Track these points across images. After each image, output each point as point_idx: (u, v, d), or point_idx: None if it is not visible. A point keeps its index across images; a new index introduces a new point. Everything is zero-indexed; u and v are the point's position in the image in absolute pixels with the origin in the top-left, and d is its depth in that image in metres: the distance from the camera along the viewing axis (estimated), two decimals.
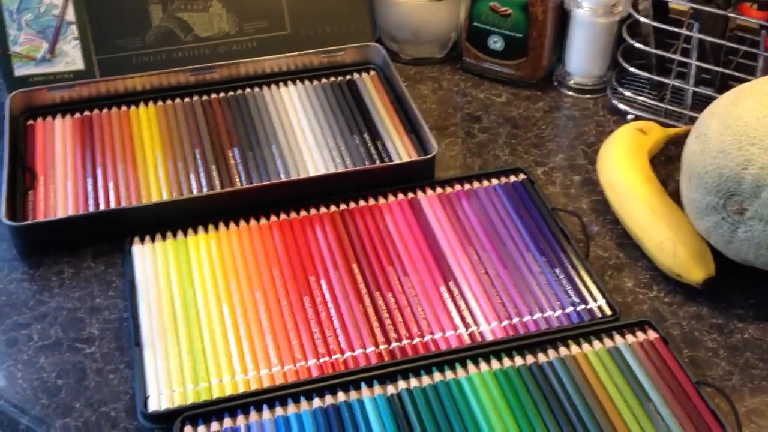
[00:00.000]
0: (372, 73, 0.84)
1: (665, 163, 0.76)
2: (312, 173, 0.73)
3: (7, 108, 0.76)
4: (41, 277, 0.65)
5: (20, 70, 0.80)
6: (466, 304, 0.63)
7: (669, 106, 0.79)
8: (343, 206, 0.70)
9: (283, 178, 0.72)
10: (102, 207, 0.69)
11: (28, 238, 0.67)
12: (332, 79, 0.83)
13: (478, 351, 0.59)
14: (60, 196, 0.70)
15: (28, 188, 0.71)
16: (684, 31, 0.76)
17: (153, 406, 0.56)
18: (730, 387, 0.58)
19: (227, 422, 0.55)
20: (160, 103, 0.79)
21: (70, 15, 0.81)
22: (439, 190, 0.72)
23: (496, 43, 0.84)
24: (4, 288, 0.65)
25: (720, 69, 0.76)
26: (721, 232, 0.61)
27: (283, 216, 0.69)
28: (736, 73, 0.75)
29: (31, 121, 0.77)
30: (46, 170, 0.72)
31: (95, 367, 0.59)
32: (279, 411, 0.55)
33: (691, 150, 0.63)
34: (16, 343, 0.61)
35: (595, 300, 0.63)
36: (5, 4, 0.80)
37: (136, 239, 0.67)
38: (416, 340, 0.60)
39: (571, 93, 0.85)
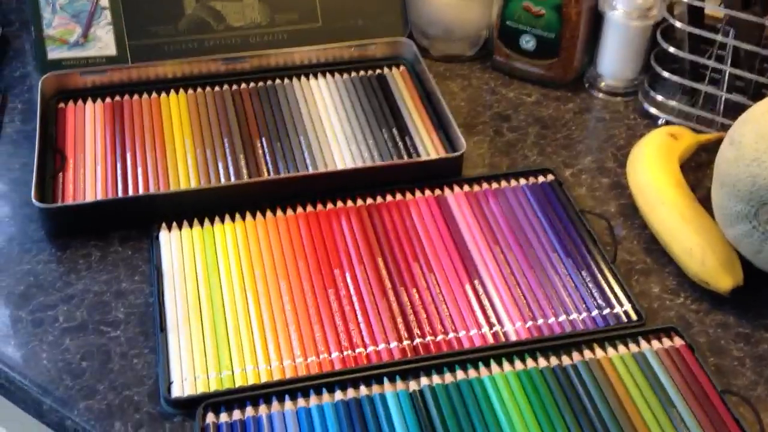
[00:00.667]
0: (402, 68, 0.83)
1: (695, 169, 0.75)
2: (339, 166, 0.73)
3: (39, 90, 0.76)
4: (68, 260, 0.66)
5: (53, 54, 0.80)
6: (491, 303, 0.62)
7: (701, 112, 0.79)
8: (369, 200, 0.70)
9: (311, 170, 0.72)
10: (130, 192, 0.69)
11: (57, 220, 0.67)
12: (362, 72, 0.83)
13: (502, 351, 0.58)
14: (89, 180, 0.70)
15: (58, 170, 0.71)
16: (719, 37, 0.75)
17: (176, 391, 0.56)
18: (755, 397, 0.58)
19: (249, 411, 0.55)
20: (190, 91, 0.80)
21: (104, 0, 0.81)
22: (466, 188, 0.72)
23: (528, 42, 0.83)
24: (31, 269, 0.65)
25: (754, 76, 0.75)
26: (751, 240, 0.61)
27: (309, 208, 0.69)
28: None
29: (62, 104, 0.78)
30: (75, 154, 0.73)
31: (120, 351, 0.59)
32: (301, 402, 0.56)
33: (724, 157, 0.62)
34: (42, 323, 0.61)
35: (621, 304, 0.62)
36: None
37: (164, 226, 0.67)
38: (440, 338, 0.60)
39: (601, 95, 0.84)
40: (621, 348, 0.59)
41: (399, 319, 0.61)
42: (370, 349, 0.59)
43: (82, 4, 0.81)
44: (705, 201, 0.67)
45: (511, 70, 0.86)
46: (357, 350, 0.59)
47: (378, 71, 0.83)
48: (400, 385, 0.57)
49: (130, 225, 0.68)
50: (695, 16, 0.78)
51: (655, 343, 0.59)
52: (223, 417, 0.55)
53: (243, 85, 0.81)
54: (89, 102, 0.78)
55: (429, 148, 0.75)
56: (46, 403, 0.57)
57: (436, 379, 0.57)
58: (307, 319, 0.61)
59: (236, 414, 0.55)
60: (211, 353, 0.58)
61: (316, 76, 0.82)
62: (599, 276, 0.64)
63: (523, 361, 0.58)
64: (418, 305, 0.62)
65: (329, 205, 0.69)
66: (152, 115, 0.77)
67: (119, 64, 0.80)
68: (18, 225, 0.69)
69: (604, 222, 0.69)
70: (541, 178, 0.73)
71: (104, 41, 0.81)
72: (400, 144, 0.75)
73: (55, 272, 0.65)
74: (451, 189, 0.71)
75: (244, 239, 0.67)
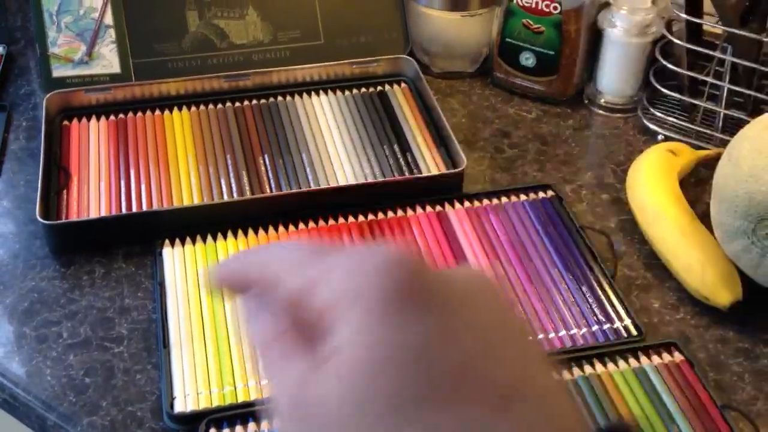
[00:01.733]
0: (403, 85, 0.84)
1: (695, 185, 0.75)
2: (341, 183, 0.73)
3: (43, 108, 0.77)
4: (72, 276, 0.66)
5: (58, 71, 0.81)
6: None
7: (700, 128, 0.79)
8: (371, 217, 0.71)
9: (313, 186, 0.73)
10: (134, 209, 0.70)
11: (61, 236, 0.68)
12: (363, 90, 0.84)
13: None
14: (93, 197, 0.71)
15: (62, 187, 0.72)
16: (717, 54, 0.76)
17: (179, 407, 0.56)
18: (755, 412, 0.58)
19: (251, 427, 0.55)
20: (193, 108, 0.80)
21: (109, 19, 0.82)
22: (467, 204, 0.72)
23: (527, 59, 0.84)
24: (35, 285, 0.66)
25: (753, 93, 0.76)
26: (750, 256, 0.61)
27: (311, 224, 0.70)
28: None
29: (66, 122, 0.78)
30: (80, 171, 0.73)
31: (123, 367, 0.60)
32: None
33: (722, 173, 0.62)
34: (46, 340, 0.62)
35: (621, 319, 0.62)
36: (45, 6, 0.82)
37: (167, 242, 0.68)
38: None
39: (601, 111, 0.85)
40: (621, 363, 0.59)
41: None
42: None
43: (87, 22, 0.82)
44: (704, 217, 0.67)
45: (512, 87, 0.87)
46: None
47: (379, 88, 0.84)
48: None
49: (134, 241, 0.68)
50: (693, 33, 0.78)
51: (655, 358, 0.60)
52: None
53: (246, 103, 0.81)
54: (93, 119, 0.79)
55: (430, 164, 0.75)
56: (50, 419, 0.57)
57: None
58: None
59: (239, 429, 0.55)
60: (214, 369, 0.59)
61: (318, 94, 0.83)
62: (599, 291, 0.65)
63: None
64: None
65: (331, 222, 0.70)
66: (156, 132, 0.78)
67: (123, 81, 0.81)
68: (22, 242, 0.69)
69: (604, 237, 0.70)
70: (541, 194, 0.73)
71: (108, 59, 0.82)
72: (402, 160, 0.76)
73: (59, 288, 0.65)
74: (452, 205, 0.72)
75: None
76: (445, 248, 0.68)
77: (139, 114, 0.79)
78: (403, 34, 0.87)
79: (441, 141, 0.77)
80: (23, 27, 0.92)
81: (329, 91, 0.83)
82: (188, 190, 0.72)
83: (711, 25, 0.77)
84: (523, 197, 0.73)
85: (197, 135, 0.77)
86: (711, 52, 0.76)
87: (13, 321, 0.63)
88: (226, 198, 0.71)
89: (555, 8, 0.80)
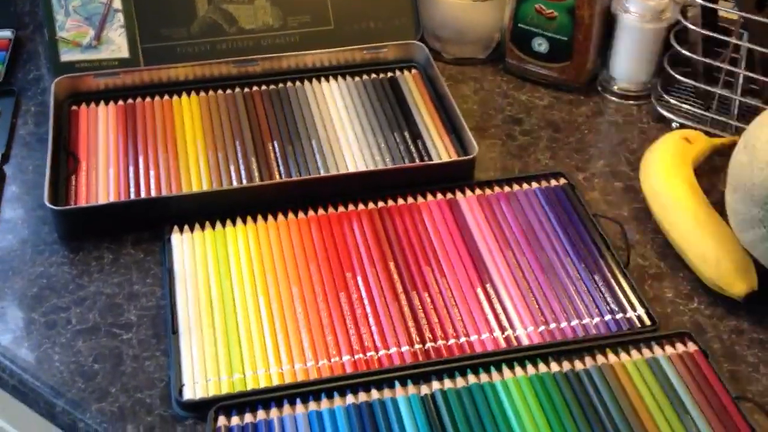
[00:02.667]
0: (414, 71, 0.83)
1: (709, 173, 0.74)
2: (351, 169, 0.72)
3: (52, 93, 0.76)
4: (81, 262, 0.66)
5: (66, 56, 0.81)
6: (503, 307, 0.62)
7: (715, 116, 0.78)
8: (381, 204, 0.70)
9: (322, 173, 0.72)
10: (143, 195, 0.70)
11: (70, 222, 0.67)
12: (374, 75, 0.83)
13: (514, 355, 0.58)
14: (102, 182, 0.71)
15: (71, 173, 0.71)
16: (733, 40, 0.75)
17: (188, 394, 0.56)
18: None
19: (261, 414, 0.55)
20: (202, 93, 0.80)
21: (117, 3, 0.82)
22: (478, 191, 0.71)
23: (540, 45, 0.83)
24: (44, 271, 0.65)
25: None
26: (766, 245, 0.60)
27: (321, 211, 0.69)
28: None
29: (75, 107, 0.78)
30: (88, 156, 0.73)
31: (132, 353, 0.59)
32: (312, 405, 0.55)
33: (738, 161, 0.62)
34: (55, 325, 0.61)
35: (634, 309, 0.62)
36: None
37: (176, 228, 0.67)
38: (451, 342, 0.60)
39: (614, 98, 0.84)
40: (634, 353, 0.59)
41: (411, 323, 0.61)
42: (382, 353, 0.59)
43: (95, 6, 0.81)
44: (719, 205, 0.67)
45: (524, 73, 0.86)
46: (368, 354, 0.59)
47: (390, 74, 0.83)
48: (411, 389, 0.56)
49: (143, 227, 0.68)
50: (709, 18, 0.77)
51: (669, 349, 0.59)
52: (235, 420, 0.55)
53: (255, 88, 0.81)
54: (102, 104, 0.78)
55: (441, 151, 0.75)
56: (58, 406, 0.57)
57: (447, 384, 0.57)
58: (319, 323, 0.61)
59: (248, 417, 0.55)
60: (223, 356, 0.58)
61: (328, 79, 0.82)
62: (612, 280, 0.64)
63: (536, 365, 0.58)
64: (429, 309, 0.62)
65: (341, 209, 0.69)
66: (164, 117, 0.77)
67: (132, 66, 0.80)
68: (31, 227, 0.69)
69: (617, 226, 0.69)
70: (553, 182, 0.72)
71: (117, 44, 0.81)
72: (412, 147, 0.75)
73: (68, 274, 0.65)
74: (463, 192, 0.71)
75: (255, 242, 0.67)
76: (456, 236, 0.67)
77: (148, 99, 0.79)
78: (414, 19, 0.86)
79: (452, 128, 0.77)
80: (32, 12, 0.91)
81: (339, 77, 0.82)
82: (197, 176, 0.72)
83: (727, 10, 0.76)
84: (535, 185, 0.72)
85: (206, 120, 0.77)
86: (727, 38, 0.75)
87: (22, 307, 0.63)
88: (235, 184, 0.71)
89: None
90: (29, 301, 0.63)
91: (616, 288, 0.63)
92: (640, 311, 0.62)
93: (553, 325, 0.61)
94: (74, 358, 0.59)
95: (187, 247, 0.66)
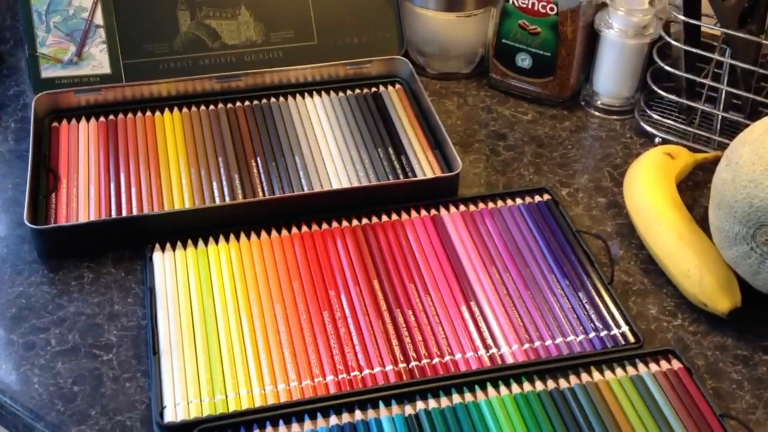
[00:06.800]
0: (398, 86, 0.83)
1: (692, 189, 0.75)
2: (335, 186, 0.72)
3: (32, 109, 0.76)
4: (61, 281, 0.65)
5: (47, 72, 0.80)
6: (487, 325, 0.62)
7: (697, 131, 0.79)
8: (365, 221, 0.70)
9: (306, 190, 0.72)
10: (124, 213, 0.69)
11: (49, 241, 0.66)
12: (357, 91, 0.82)
13: (499, 374, 0.58)
14: (82, 200, 0.70)
15: (51, 191, 0.71)
16: (715, 56, 0.75)
17: (169, 416, 0.55)
18: (754, 421, 0.57)
19: None
20: (185, 109, 0.79)
21: (99, 19, 0.81)
22: (462, 207, 0.71)
23: (524, 60, 0.83)
24: (23, 291, 0.64)
25: (751, 95, 0.75)
26: (749, 262, 0.60)
27: (304, 228, 0.69)
28: (767, 101, 0.74)
29: (55, 124, 0.77)
30: (69, 173, 0.72)
31: (112, 375, 0.59)
32: (295, 427, 0.55)
33: (721, 178, 0.62)
34: (34, 347, 0.61)
35: (618, 326, 0.62)
36: (34, 6, 0.80)
37: (157, 246, 0.67)
38: (436, 360, 0.59)
39: (598, 113, 0.84)
40: (618, 371, 0.59)
41: (394, 342, 0.60)
42: (366, 372, 0.58)
43: (77, 22, 0.81)
44: (702, 220, 0.67)
45: (508, 88, 0.86)
46: (352, 373, 0.58)
47: (374, 89, 0.83)
48: (395, 409, 0.56)
49: (124, 246, 0.67)
50: (691, 34, 0.77)
51: (653, 366, 0.59)
52: None
53: (238, 104, 0.80)
54: (83, 121, 0.78)
55: (425, 167, 0.74)
56: (37, 429, 0.56)
57: (432, 403, 0.56)
58: (302, 342, 0.60)
59: None
60: (205, 377, 0.58)
61: (311, 95, 0.82)
62: (596, 297, 0.64)
63: (520, 384, 0.58)
64: (413, 327, 0.61)
65: (324, 226, 0.69)
66: (146, 133, 0.77)
67: (113, 82, 0.80)
68: (10, 246, 0.68)
69: (601, 242, 0.69)
70: (537, 198, 0.72)
71: (98, 59, 0.81)
72: (396, 163, 0.75)
73: (48, 294, 0.64)
74: (447, 209, 0.71)
75: (238, 260, 0.66)
76: (439, 253, 0.67)
77: (130, 115, 0.78)
78: (398, 34, 0.86)
79: (436, 143, 0.76)
80: (13, 27, 0.91)
81: (323, 93, 0.82)
82: (179, 194, 0.71)
83: (709, 26, 0.76)
84: (519, 201, 0.72)
85: (188, 137, 0.76)
86: (709, 54, 0.76)
87: (1, 327, 0.62)
88: (218, 201, 0.70)
89: (551, 9, 0.79)
90: (8, 322, 0.62)
91: (600, 305, 0.63)
92: (624, 328, 0.61)
93: (537, 343, 0.61)
94: (53, 380, 0.58)
95: (169, 266, 0.65)
